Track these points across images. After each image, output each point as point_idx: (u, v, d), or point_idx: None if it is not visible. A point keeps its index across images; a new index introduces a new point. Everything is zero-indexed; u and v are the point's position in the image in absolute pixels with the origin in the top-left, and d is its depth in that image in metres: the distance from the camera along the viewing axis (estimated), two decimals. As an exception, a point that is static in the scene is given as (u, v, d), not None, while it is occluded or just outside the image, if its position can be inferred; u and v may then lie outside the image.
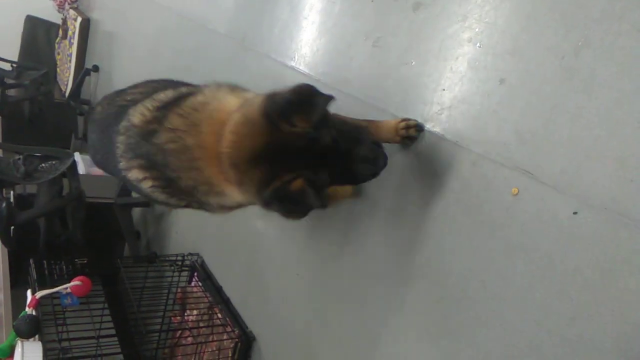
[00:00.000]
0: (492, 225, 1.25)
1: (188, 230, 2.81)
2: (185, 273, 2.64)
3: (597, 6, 1.07)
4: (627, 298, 1.01)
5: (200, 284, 2.55)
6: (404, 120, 1.38)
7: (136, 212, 3.38)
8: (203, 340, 2.37)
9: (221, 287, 2.46)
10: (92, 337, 2.27)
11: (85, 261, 2.65)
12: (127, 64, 4.07)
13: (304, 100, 1.03)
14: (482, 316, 1.27)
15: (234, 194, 1.15)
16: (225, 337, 2.26)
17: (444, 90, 1.38)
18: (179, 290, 2.65)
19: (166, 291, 2.66)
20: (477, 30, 1.31)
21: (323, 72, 1.81)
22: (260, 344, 2.19)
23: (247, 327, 2.24)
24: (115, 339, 2.51)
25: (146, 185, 1.28)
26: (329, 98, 1.07)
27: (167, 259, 2.69)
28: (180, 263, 2.63)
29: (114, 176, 1.62)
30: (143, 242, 3.34)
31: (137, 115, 1.29)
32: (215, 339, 2.30)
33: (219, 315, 2.38)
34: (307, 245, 1.92)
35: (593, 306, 1.06)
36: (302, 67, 1.90)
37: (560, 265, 1.12)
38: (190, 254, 2.64)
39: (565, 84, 1.12)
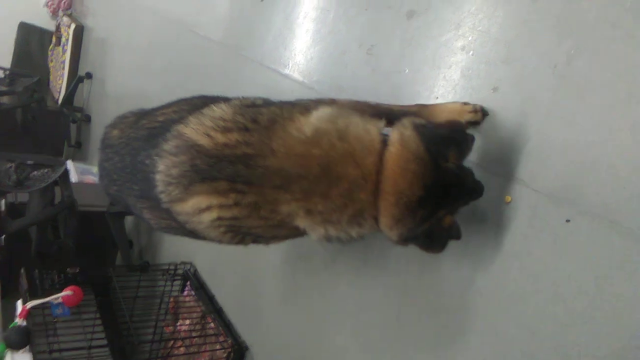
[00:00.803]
0: (485, 233, 1.24)
1: (181, 239, 2.77)
2: (177, 282, 2.62)
3: (591, 13, 1.07)
4: (621, 304, 1.00)
5: (193, 293, 2.52)
6: (466, 103, 1.28)
7: (128, 220, 3.35)
8: (196, 350, 2.35)
9: (214, 296, 2.44)
10: (84, 348, 2.25)
11: (77, 270, 2.63)
12: (120, 71, 4.06)
13: (457, 138, 1.08)
14: (476, 323, 1.27)
15: (381, 227, 1.09)
16: (218, 346, 2.24)
17: (437, 98, 1.38)
18: (172, 299, 2.62)
19: (158, 300, 2.64)
20: (470, 38, 1.31)
21: (317, 80, 1.81)
22: (253, 354, 2.17)
23: (240, 337, 2.22)
24: (107, 349, 2.48)
25: (207, 216, 1.14)
26: (474, 138, 1.11)
27: (159, 268, 2.66)
28: (172, 272, 2.61)
29: (130, 214, 1.47)
30: (135, 251, 3.31)
31: (199, 136, 1.13)
32: (208, 348, 2.28)
33: (212, 324, 2.36)
34: (303, 254, 1.91)
35: (587, 312, 1.06)
36: (296, 75, 1.90)
37: (554, 272, 1.12)
38: (183, 263, 2.62)
39: (559, 91, 1.12)
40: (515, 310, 1.19)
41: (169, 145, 1.16)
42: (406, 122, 1.09)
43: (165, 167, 1.15)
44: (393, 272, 1.51)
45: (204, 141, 1.12)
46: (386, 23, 1.56)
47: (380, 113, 1.21)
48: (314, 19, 1.86)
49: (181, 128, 1.17)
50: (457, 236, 1.12)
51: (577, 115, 1.09)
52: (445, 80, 1.36)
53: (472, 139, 1.09)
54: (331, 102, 1.23)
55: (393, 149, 1.04)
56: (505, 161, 1.21)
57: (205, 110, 1.19)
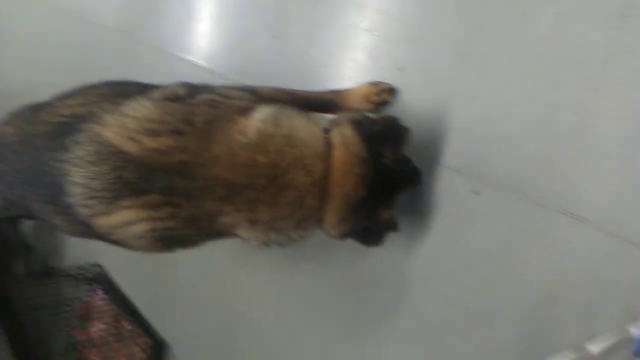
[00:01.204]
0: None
1: (86, 240, 2.62)
2: (86, 286, 2.47)
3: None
4: (526, 270, 1.07)
5: (104, 295, 2.39)
6: (374, 84, 1.28)
7: (27, 223, 3.10)
8: (112, 355, 2.23)
9: (127, 296, 2.33)
10: (-16, 367, 2.07)
11: (-31, 283, 2.40)
12: (8, 64, 3.70)
13: (393, 132, 1.09)
14: (397, 301, 1.30)
15: (323, 226, 1.08)
16: (136, 348, 2.15)
17: (345, 80, 1.38)
18: (82, 304, 2.47)
19: (68, 307, 2.48)
20: (374, 19, 1.32)
21: (221, 64, 1.75)
22: (175, 351, 2.10)
23: (159, 335, 2.14)
24: (16, 364, 2.30)
25: (137, 228, 1.02)
26: (409, 131, 1.12)
27: (65, 272, 2.50)
28: (80, 276, 2.45)
29: (31, 218, 1.27)
30: (36, 256, 3.07)
31: (123, 141, 0.99)
32: (125, 351, 2.18)
33: (128, 326, 2.25)
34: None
35: (496, 278, 1.11)
36: (199, 61, 1.82)
37: (464, 242, 1.17)
38: (91, 265, 2.47)
39: (460, 68, 1.15)
40: (432, 282, 1.23)
41: (85, 150, 1.01)
42: (343, 120, 1.08)
43: (83, 179, 1.01)
44: (311, 256, 1.51)
45: (129, 147, 0.98)
46: (291, 5, 1.53)
47: (298, 101, 1.19)
48: (214, 1, 1.79)
49: (99, 130, 1.01)
50: (394, 228, 1.14)
51: (478, 91, 1.13)
52: (353, 62, 1.36)
53: (407, 131, 1.11)
54: (252, 92, 1.17)
55: (338, 153, 1.03)
56: (413, 139, 1.23)
57: (126, 110, 1.04)
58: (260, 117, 1.03)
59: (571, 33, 1.00)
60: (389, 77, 1.28)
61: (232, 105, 1.07)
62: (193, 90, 1.11)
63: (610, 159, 0.95)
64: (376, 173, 1.04)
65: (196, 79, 1.80)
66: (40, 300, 2.41)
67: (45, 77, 3.00)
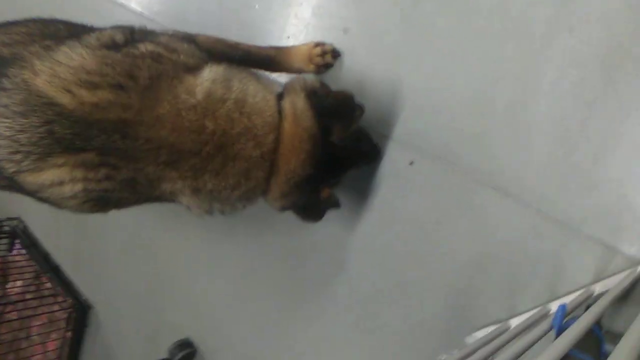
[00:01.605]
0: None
1: (5, 193, 2.45)
2: (4, 240, 2.32)
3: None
4: (456, 239, 1.07)
5: (23, 251, 2.26)
6: (318, 45, 1.24)
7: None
8: (31, 314, 2.12)
9: (49, 253, 2.21)
10: None
11: None
12: None
13: (345, 110, 1.04)
14: (336, 272, 1.29)
15: (266, 198, 1.04)
16: (56, 307, 2.06)
17: (288, 37, 1.32)
18: (-1, 259, 2.33)
19: (-18, 262, 2.33)
20: (321, -26, 1.25)
21: (158, 11, 1.63)
22: (98, 312, 2.02)
23: (82, 295, 2.05)
24: None
25: (70, 188, 0.93)
26: (363, 110, 1.07)
27: (-19, 224, 2.34)
28: (-3, 229, 2.31)
29: None
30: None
31: (56, 91, 0.88)
32: (45, 310, 2.08)
33: (48, 284, 2.14)
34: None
35: (425, 251, 1.12)
36: (133, 5, 1.69)
37: (399, 213, 1.16)
38: (9, 219, 2.32)
39: (405, 34, 1.12)
40: (365, 251, 1.22)
41: (12, 99, 0.89)
42: (298, 87, 1.01)
43: (8, 130, 0.89)
44: (247, 223, 1.47)
45: (64, 99, 0.88)
46: (234, -48, 1.43)
47: (239, 55, 1.13)
48: (153, -58, 1.66)
49: (28, 77, 0.90)
50: (336, 206, 1.12)
51: (421, 60, 1.10)
52: (297, 19, 1.30)
53: (361, 110, 1.07)
54: (191, 39, 1.08)
55: (288, 126, 0.98)
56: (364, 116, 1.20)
57: (59, 56, 0.92)
58: (209, 76, 0.95)
59: (514, 8, 0.98)
60: (333, 38, 1.23)
61: (179, 62, 0.97)
62: (132, 36, 1.01)
63: (544, 138, 0.96)
64: (324, 152, 0.99)
65: (128, 23, 1.68)
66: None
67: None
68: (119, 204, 1.02)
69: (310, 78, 1.05)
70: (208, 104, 0.93)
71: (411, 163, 1.13)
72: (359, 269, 1.24)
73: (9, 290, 2.30)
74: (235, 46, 1.18)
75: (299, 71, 1.24)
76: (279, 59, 1.23)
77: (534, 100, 0.97)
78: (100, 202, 0.98)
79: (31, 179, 0.93)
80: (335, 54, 1.23)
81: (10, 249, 2.33)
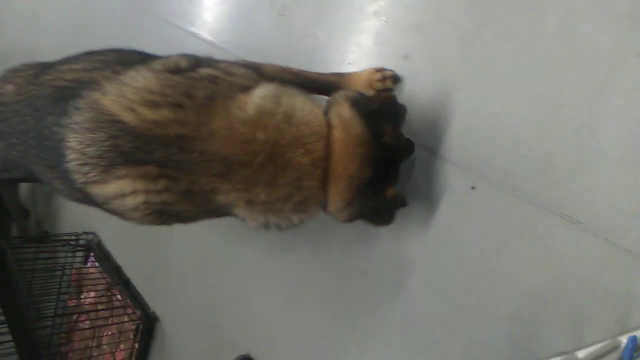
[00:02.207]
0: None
1: (83, 207, 2.61)
2: (80, 253, 2.47)
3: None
4: (517, 269, 1.06)
5: (97, 264, 2.39)
6: (378, 70, 1.27)
7: (24, 187, 3.10)
8: (102, 324, 2.24)
9: (120, 267, 2.33)
10: (-27, 326, 2.08)
11: (-36, 242, 2.40)
12: (7, 25, 3.66)
13: (391, 110, 1.07)
14: (391, 289, 1.30)
15: (328, 210, 1.06)
16: (126, 319, 2.15)
17: (349, 64, 1.35)
18: (74, 271, 2.47)
19: (60, 273, 2.48)
20: (382, 3, 1.28)
21: (227, 40, 1.72)
22: (164, 325, 2.11)
23: (149, 308, 2.15)
24: (5, 326, 2.31)
25: (132, 200, 1.00)
26: (405, 109, 1.09)
27: (59, 238, 2.49)
28: (74, 242, 2.45)
29: (31, 181, 1.24)
30: (32, 220, 3.07)
31: (122, 110, 0.97)
32: (115, 321, 2.19)
33: (119, 296, 2.25)
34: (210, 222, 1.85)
35: (488, 276, 1.10)
36: (204, 34, 1.79)
37: (459, 238, 1.15)
38: (86, 233, 2.46)
39: (467, 60, 1.13)
40: (423, 275, 1.22)
41: (83, 116, 0.99)
42: (340, 99, 1.05)
43: (78, 144, 0.99)
44: (305, 240, 1.50)
45: (127, 117, 0.96)
46: (299, -17, 1.49)
47: (302, 82, 1.17)
48: (222, -25, 1.75)
49: (98, 97, 1.00)
50: (403, 204, 1.12)
51: (483, 85, 1.10)
52: (358, 46, 1.33)
53: (404, 109, 1.09)
54: (257, 68, 1.16)
55: (338, 134, 1.00)
56: (413, 129, 1.21)
57: (126, 79, 1.02)
58: (260, 93, 1.01)
59: (579, 33, 0.97)
60: (394, 64, 1.25)
61: (234, 83, 1.04)
62: (196, 63, 1.09)
63: (611, 164, 0.93)
64: (379, 152, 1.02)
65: (200, 52, 1.78)
66: (34, 264, 2.41)
67: (46, 39, 2.97)
68: (181, 217, 1.08)
69: (349, 90, 1.09)
70: (259, 118, 0.98)
71: (473, 188, 1.13)
72: (417, 291, 1.24)
73: (82, 300, 2.44)
74: (298, 74, 1.24)
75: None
76: (341, 85, 1.26)
77: (601, 125, 0.95)
78: (162, 215, 1.04)
79: (97, 191, 1.01)
80: (395, 79, 1.25)
81: (85, 262, 2.48)
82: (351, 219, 1.08)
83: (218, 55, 1.68)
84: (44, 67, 1.23)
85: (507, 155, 1.07)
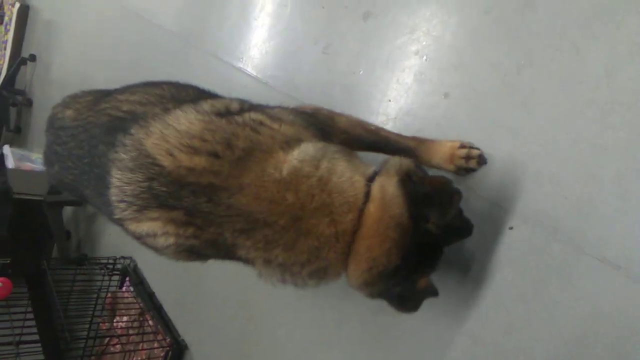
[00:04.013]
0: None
1: (122, 233, 2.68)
2: (116, 277, 2.52)
3: (540, 24, 1.09)
4: (557, 311, 1.03)
5: (131, 289, 2.44)
6: (464, 146, 1.17)
7: (67, 210, 3.21)
8: (132, 349, 2.26)
9: (154, 293, 2.36)
10: (11, 343, 2.13)
11: (9, 261, 2.49)
12: (66, 55, 3.88)
13: (443, 197, 0.95)
14: (421, 328, 1.27)
15: (348, 282, 1.00)
16: (156, 345, 2.17)
17: (389, 101, 1.38)
18: (109, 295, 2.52)
19: (95, 296, 2.53)
20: (424, 43, 1.31)
21: (271, 75, 1.78)
22: (192, 353, 2.11)
23: (179, 336, 2.16)
24: (38, 345, 2.36)
25: (164, 240, 1.00)
26: (460, 196, 0.97)
27: (97, 261, 2.56)
28: (111, 266, 2.51)
29: (88, 203, 1.25)
30: (73, 243, 3.17)
31: (161, 153, 0.97)
32: (145, 347, 2.20)
33: (150, 322, 2.28)
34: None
35: (526, 318, 1.07)
36: (249, 69, 1.86)
37: (497, 279, 1.13)
38: (123, 257, 2.52)
39: (507, 100, 1.13)
40: (460, 317, 1.20)
41: (127, 155, 1.00)
42: (392, 169, 0.97)
43: (119, 181, 1.00)
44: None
45: (166, 161, 0.96)
46: (342, 22, 1.54)
47: (377, 141, 1.15)
48: (270, 13, 1.83)
49: (142, 137, 1.00)
50: (433, 294, 1.02)
51: (523, 125, 1.10)
52: (399, 84, 1.36)
53: (459, 196, 0.97)
54: (330, 117, 1.13)
55: (373, 209, 0.92)
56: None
57: (171, 120, 1.01)
58: (299, 156, 0.96)
59: (622, 77, 0.97)
60: (433, 102, 1.27)
61: (277, 135, 1.00)
62: (248, 107, 1.07)
63: (656, 208, 0.91)
64: (415, 240, 0.92)
65: (245, 86, 1.85)
66: (71, 286, 2.47)
67: (99, 72, 3.13)
68: (210, 256, 1.06)
69: (406, 161, 1.00)
70: (292, 180, 0.93)
71: (511, 228, 1.11)
72: (450, 335, 1.21)
73: (115, 324, 2.47)
74: (375, 132, 1.20)
75: (436, 167, 1.19)
76: (418, 152, 1.20)
77: (645, 169, 0.93)
78: (192, 254, 1.03)
79: (132, 228, 1.02)
80: (482, 161, 1.17)
81: (120, 286, 2.52)
82: (371, 296, 1.00)
83: (262, 89, 1.74)
84: (103, 95, 1.27)
85: (547, 196, 1.06)
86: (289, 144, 0.99)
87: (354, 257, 0.94)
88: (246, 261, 1.00)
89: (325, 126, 1.12)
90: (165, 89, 1.19)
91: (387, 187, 0.93)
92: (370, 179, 0.96)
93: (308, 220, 0.93)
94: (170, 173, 0.95)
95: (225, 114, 1.02)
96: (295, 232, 0.93)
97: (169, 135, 0.98)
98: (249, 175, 0.94)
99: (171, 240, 0.99)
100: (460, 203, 1.06)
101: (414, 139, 1.22)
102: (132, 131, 1.02)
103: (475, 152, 1.16)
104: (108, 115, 1.15)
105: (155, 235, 0.99)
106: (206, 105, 1.03)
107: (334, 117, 1.16)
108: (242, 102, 1.09)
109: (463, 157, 1.16)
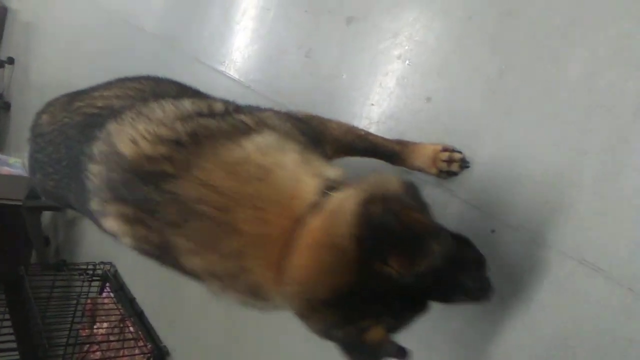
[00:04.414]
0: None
1: (102, 238, 2.64)
2: (96, 283, 2.49)
3: (521, 30, 1.11)
4: (543, 314, 1.04)
5: (112, 295, 2.40)
6: (446, 149, 1.16)
7: (46, 215, 3.16)
8: (113, 355, 2.23)
9: (134, 298, 2.33)
10: (-13, 351, 2.09)
11: (-15, 267, 2.44)
12: (46, 59, 3.82)
13: (414, 241, 0.72)
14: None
15: (284, 306, 0.82)
16: (137, 351, 2.14)
17: (372, 105, 1.38)
18: (89, 301, 2.48)
19: (75, 302, 2.49)
20: (407, 47, 1.32)
21: (253, 79, 1.77)
22: (174, 359, 2.08)
23: (161, 342, 2.13)
24: (16, 352, 2.32)
25: (126, 241, 0.88)
26: (451, 246, 0.77)
27: (77, 267, 2.52)
28: (91, 272, 2.47)
29: (77, 212, 1.16)
30: (52, 248, 3.12)
31: (124, 141, 0.87)
32: (126, 353, 2.17)
33: (131, 328, 2.25)
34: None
35: (511, 321, 1.08)
36: (232, 73, 1.85)
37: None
38: (103, 263, 2.48)
39: (489, 105, 1.14)
40: (443, 323, 1.20)
41: (98, 147, 0.92)
42: (365, 186, 0.79)
43: (92, 175, 0.92)
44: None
45: (127, 150, 0.86)
46: (325, 27, 1.55)
47: (366, 146, 1.13)
48: (253, 17, 1.82)
49: (112, 127, 0.92)
50: (396, 355, 0.76)
51: (505, 130, 1.11)
52: (381, 88, 1.36)
53: (444, 249, 0.73)
54: (322, 124, 1.09)
55: (314, 224, 0.76)
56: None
57: (145, 110, 0.93)
58: (255, 140, 0.87)
59: (603, 81, 0.98)
60: (416, 106, 1.28)
61: (238, 124, 0.91)
62: (235, 109, 0.98)
63: (635, 212, 0.92)
64: (360, 279, 0.73)
65: (227, 90, 1.84)
66: (50, 292, 2.43)
67: (80, 76, 3.09)
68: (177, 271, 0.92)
69: (394, 182, 0.81)
70: (237, 163, 0.83)
71: (492, 231, 1.12)
72: (433, 333, 1.22)
73: (95, 331, 2.43)
74: (364, 137, 1.17)
75: (419, 170, 1.19)
76: (404, 156, 1.19)
77: (625, 173, 0.95)
78: (159, 260, 0.91)
79: (103, 222, 0.92)
80: (464, 164, 1.16)
81: (100, 292, 2.49)
82: (318, 335, 0.81)
83: (244, 93, 1.73)
84: (77, 94, 1.22)
85: (528, 200, 1.07)
86: (249, 131, 0.90)
87: (284, 278, 0.76)
88: (193, 274, 0.87)
89: (317, 134, 1.06)
90: (144, 83, 1.14)
91: (345, 202, 0.76)
92: (330, 188, 0.81)
93: (236, 213, 0.78)
94: (129, 162, 0.85)
95: (208, 115, 0.93)
96: (223, 228, 0.79)
97: (138, 124, 0.89)
98: (201, 160, 0.83)
99: (129, 241, 0.88)
100: (449, 210, 1.06)
101: (398, 142, 1.21)
102: (107, 123, 0.95)
103: (457, 156, 1.16)
104: (82, 114, 1.09)
105: (117, 234, 0.89)
106: (187, 103, 0.95)
107: (325, 124, 1.11)
108: (226, 102, 1.02)
109: (445, 161, 1.16)
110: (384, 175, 0.83)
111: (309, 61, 1.58)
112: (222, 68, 1.89)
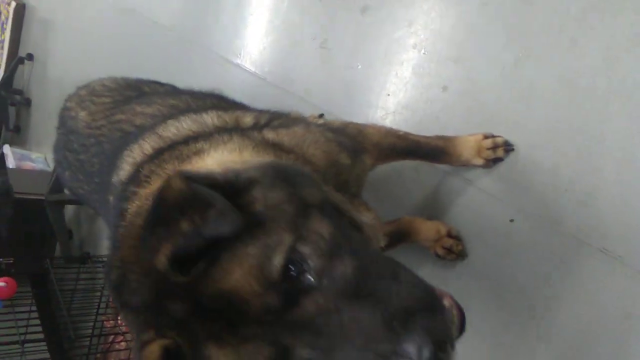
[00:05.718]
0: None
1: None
2: (120, 275, 2.53)
3: (538, 18, 1.09)
4: (559, 304, 1.03)
5: (136, 286, 2.44)
6: (487, 137, 1.13)
7: (69, 209, 3.21)
8: (137, 345, 2.27)
9: (157, 289, 2.37)
10: (16, 342, 2.14)
11: (12, 261, 2.49)
12: (64, 54, 3.87)
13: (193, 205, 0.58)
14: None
15: None
16: (160, 341, 2.18)
17: (388, 95, 1.38)
18: (113, 292, 2.53)
19: (99, 294, 2.54)
20: (422, 36, 1.31)
21: (269, 70, 1.77)
22: (197, 349, 2.12)
23: (183, 332, 2.17)
24: (43, 344, 2.37)
25: None
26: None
27: (100, 259, 2.56)
28: (114, 264, 2.51)
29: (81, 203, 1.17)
30: (76, 241, 3.18)
31: (128, 161, 0.87)
32: (149, 343, 2.21)
33: (155, 319, 2.28)
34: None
35: (525, 310, 1.08)
36: (247, 65, 1.86)
37: (497, 270, 1.14)
38: (126, 255, 2.52)
39: (506, 93, 1.13)
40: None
41: (115, 177, 0.89)
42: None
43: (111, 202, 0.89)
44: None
45: (125, 175, 0.86)
46: (340, 17, 1.54)
47: (407, 146, 1.10)
48: (267, 8, 1.82)
49: (125, 154, 0.90)
50: None
51: (522, 117, 1.11)
52: (397, 78, 1.36)
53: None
54: (359, 130, 1.04)
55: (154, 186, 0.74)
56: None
57: (160, 129, 0.89)
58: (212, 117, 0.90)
59: (621, 68, 0.97)
60: (432, 95, 1.27)
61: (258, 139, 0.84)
62: (268, 120, 0.93)
63: (656, 198, 0.92)
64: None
65: (243, 82, 1.84)
66: (75, 285, 2.48)
67: (98, 70, 3.12)
68: None
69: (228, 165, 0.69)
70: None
71: (511, 220, 1.12)
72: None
73: (120, 321, 2.48)
74: (404, 137, 1.13)
75: (464, 164, 1.16)
76: (447, 149, 1.14)
77: (645, 159, 0.94)
78: None
79: None
80: (509, 147, 1.13)
81: (124, 283, 2.53)
82: None
83: (260, 85, 1.73)
84: (123, 101, 1.16)
85: (547, 188, 1.06)
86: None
87: None
88: None
89: (355, 142, 1.00)
90: (183, 100, 1.10)
91: (173, 177, 0.60)
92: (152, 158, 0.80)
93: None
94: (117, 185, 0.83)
95: (231, 129, 0.86)
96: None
97: (146, 143, 0.86)
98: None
99: None
100: (467, 200, 1.05)
101: (439, 137, 1.16)
102: (124, 151, 0.90)
103: (500, 140, 1.12)
104: (121, 130, 1.05)
105: None
106: (209, 117, 0.90)
107: (362, 130, 1.06)
108: (260, 114, 0.94)
109: (489, 148, 1.12)
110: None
111: (324, 52, 1.58)
112: (237, 60, 1.90)
